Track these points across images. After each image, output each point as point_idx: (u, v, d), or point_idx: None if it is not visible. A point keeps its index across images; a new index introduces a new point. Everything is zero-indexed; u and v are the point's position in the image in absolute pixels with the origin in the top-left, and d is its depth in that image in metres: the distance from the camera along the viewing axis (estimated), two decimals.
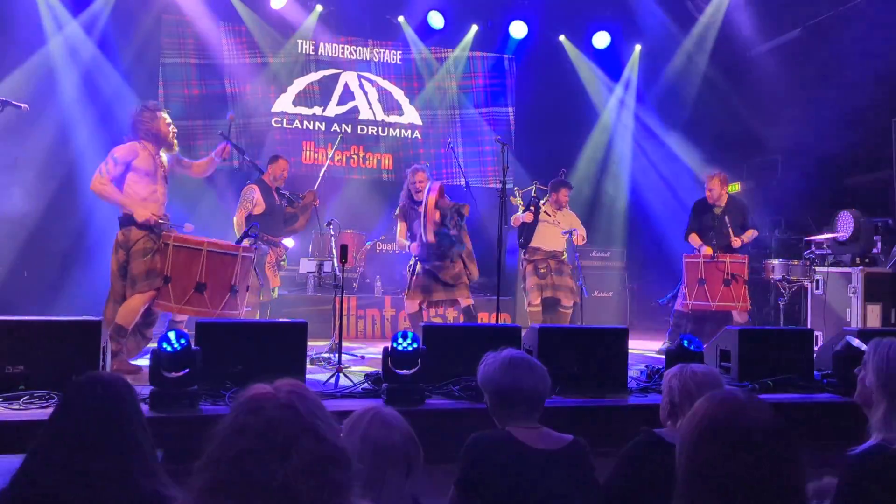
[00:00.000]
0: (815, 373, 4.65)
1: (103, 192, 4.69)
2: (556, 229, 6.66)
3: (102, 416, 1.66)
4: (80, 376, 1.75)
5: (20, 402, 3.42)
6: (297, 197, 6.14)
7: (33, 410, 3.35)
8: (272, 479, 1.15)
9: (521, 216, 6.62)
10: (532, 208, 6.60)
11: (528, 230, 6.67)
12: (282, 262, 6.25)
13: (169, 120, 4.94)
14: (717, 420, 1.43)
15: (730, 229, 6.42)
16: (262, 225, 5.91)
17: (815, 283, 6.69)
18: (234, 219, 6.03)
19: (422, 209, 5.65)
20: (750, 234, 6.62)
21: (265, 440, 1.19)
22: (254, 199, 6.00)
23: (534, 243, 6.69)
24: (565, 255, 6.82)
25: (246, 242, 5.01)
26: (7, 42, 7.44)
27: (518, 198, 6.84)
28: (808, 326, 6.49)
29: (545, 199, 6.84)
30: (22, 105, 4.82)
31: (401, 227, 6.09)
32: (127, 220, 4.70)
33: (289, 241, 6.11)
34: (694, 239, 6.65)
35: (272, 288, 6.03)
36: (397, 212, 6.15)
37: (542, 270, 6.60)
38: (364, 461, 1.68)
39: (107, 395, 1.70)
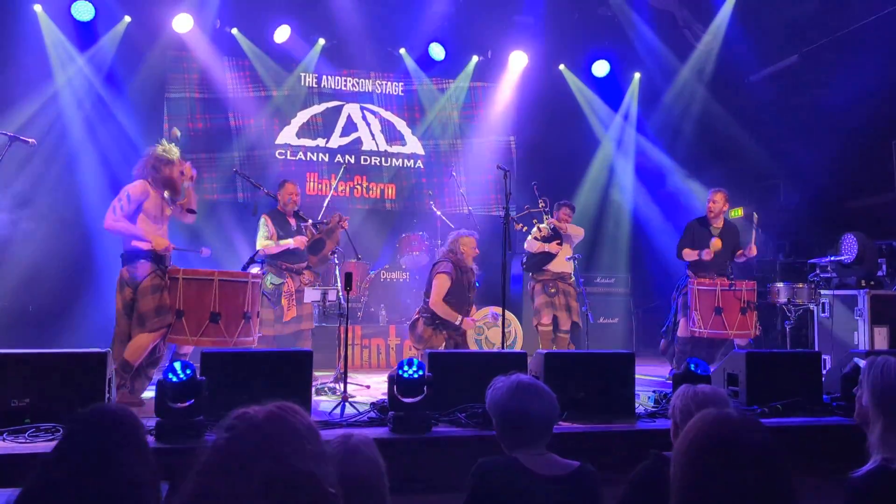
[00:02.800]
0: (824, 396, 4.63)
1: (117, 227, 4.61)
2: (563, 253, 6.80)
3: (104, 447, 1.61)
4: (86, 408, 1.73)
5: (26, 435, 3.40)
6: (321, 222, 6.18)
7: (39, 444, 3.33)
8: (226, 498, 1.13)
9: (546, 246, 6.74)
10: (558, 241, 6.76)
11: (545, 257, 6.76)
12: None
13: (184, 170, 4.87)
14: (708, 437, 1.45)
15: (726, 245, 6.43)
16: (279, 254, 5.91)
17: (820, 307, 6.67)
18: (258, 248, 5.92)
19: None
20: (754, 249, 6.52)
21: (224, 458, 1.17)
22: (268, 231, 5.95)
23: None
24: (573, 279, 6.88)
25: (254, 269, 5.04)
26: (15, 77, 7.55)
27: (520, 223, 6.87)
28: (816, 349, 6.45)
29: (546, 219, 6.90)
30: (30, 140, 4.87)
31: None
32: (131, 257, 4.63)
33: None
34: (689, 253, 6.53)
35: (286, 320, 5.86)
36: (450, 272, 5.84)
37: (552, 290, 6.74)
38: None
39: (111, 425, 1.67)
